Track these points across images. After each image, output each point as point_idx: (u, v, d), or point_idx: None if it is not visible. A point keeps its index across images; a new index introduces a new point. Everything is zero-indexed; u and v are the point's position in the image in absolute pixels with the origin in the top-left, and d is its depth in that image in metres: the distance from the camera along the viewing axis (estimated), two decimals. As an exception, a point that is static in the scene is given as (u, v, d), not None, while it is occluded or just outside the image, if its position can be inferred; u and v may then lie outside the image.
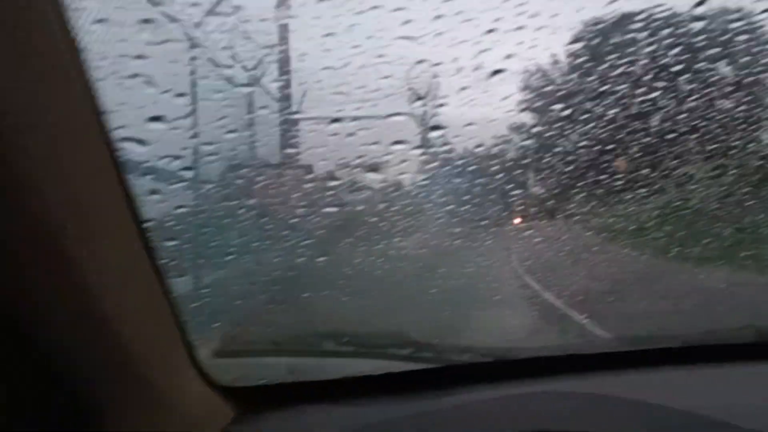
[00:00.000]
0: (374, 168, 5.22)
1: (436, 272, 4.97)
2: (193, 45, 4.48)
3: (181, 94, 3.80)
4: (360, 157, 5.26)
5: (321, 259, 3.95)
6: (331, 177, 5.03)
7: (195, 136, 3.77)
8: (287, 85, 5.97)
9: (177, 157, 3.38)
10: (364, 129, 4.63)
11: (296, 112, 6.14)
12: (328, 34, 5.33)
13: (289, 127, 6.01)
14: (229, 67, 4.87)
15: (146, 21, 2.79)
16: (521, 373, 1.56)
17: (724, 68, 8.17)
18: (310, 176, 5.12)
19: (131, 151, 2.35)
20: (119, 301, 0.94)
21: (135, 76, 2.69)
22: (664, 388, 1.46)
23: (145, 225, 0.99)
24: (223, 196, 4.40)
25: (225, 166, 4.76)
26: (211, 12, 4.39)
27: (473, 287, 5.13)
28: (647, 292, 6.04)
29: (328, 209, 4.53)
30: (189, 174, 3.50)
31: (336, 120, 5.15)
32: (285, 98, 6.16)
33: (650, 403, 1.31)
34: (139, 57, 2.79)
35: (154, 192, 2.66)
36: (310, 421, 1.41)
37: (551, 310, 5.74)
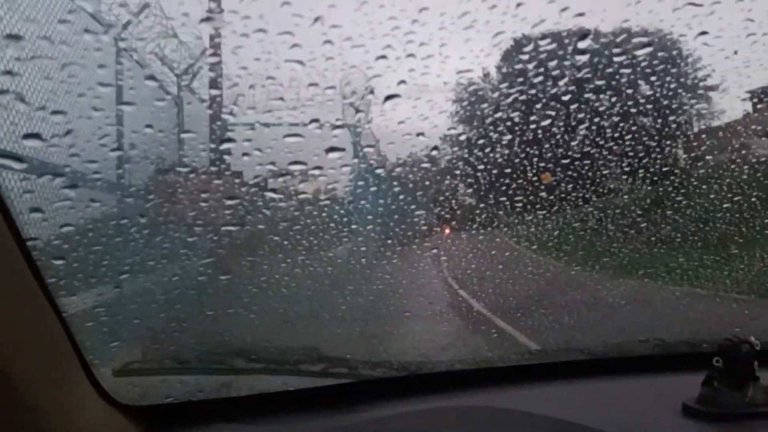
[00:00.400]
0: (272, 188, 5.13)
1: (346, 289, 4.93)
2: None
3: (58, 112, 3.69)
4: (255, 177, 5.16)
5: (224, 277, 3.78)
6: (230, 196, 4.90)
7: (75, 154, 3.58)
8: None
9: (58, 175, 3.20)
10: (258, 150, 4.59)
11: (187, 131, 5.95)
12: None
13: (181, 145, 5.82)
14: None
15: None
16: (434, 388, 1.55)
17: (614, 98, 8.67)
18: (205, 195, 4.95)
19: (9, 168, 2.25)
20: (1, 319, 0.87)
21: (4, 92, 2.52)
22: (570, 401, 1.47)
23: (30, 243, 0.95)
24: (112, 215, 4.22)
25: (110, 185, 4.56)
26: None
27: (386, 302, 5.13)
28: (559, 304, 6.26)
29: (228, 227, 4.37)
30: (72, 193, 3.28)
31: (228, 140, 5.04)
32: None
33: (554, 417, 1.31)
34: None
35: (35, 210, 2.45)
36: None
37: (468, 324, 5.82)
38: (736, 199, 8.74)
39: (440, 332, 5.10)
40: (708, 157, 9.12)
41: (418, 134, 5.09)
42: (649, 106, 9.11)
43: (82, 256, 3.23)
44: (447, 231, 8.63)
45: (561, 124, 8.16)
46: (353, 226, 6.29)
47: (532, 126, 7.99)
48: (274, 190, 5.09)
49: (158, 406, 1.37)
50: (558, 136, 8.16)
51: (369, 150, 6.75)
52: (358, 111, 6.02)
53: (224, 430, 1.37)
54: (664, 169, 8.64)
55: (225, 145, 5.52)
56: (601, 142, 8.26)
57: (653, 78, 8.93)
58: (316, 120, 4.27)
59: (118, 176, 4.96)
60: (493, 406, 1.43)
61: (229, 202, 4.68)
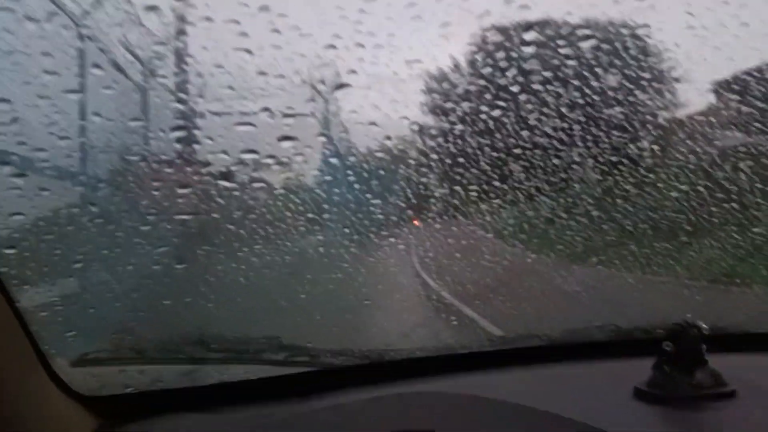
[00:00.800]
0: (225, 177, 5.09)
1: (304, 278, 4.93)
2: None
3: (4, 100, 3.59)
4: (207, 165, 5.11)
5: (179, 266, 3.74)
6: (183, 185, 4.83)
7: (23, 142, 3.49)
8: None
9: (4, 163, 3.12)
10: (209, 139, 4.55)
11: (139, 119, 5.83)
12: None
13: (135, 133, 5.70)
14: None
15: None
16: (396, 375, 1.56)
17: (565, 89, 8.81)
18: (157, 184, 4.88)
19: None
20: None
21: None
22: (528, 386, 1.51)
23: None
24: (63, 204, 4.12)
25: (59, 173, 4.45)
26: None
27: (345, 290, 5.13)
28: (516, 291, 6.36)
29: (181, 216, 4.31)
30: (20, 181, 3.20)
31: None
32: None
33: (512, 402, 1.34)
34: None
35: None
36: (178, 429, 1.34)
37: (428, 312, 5.88)
38: (682, 188, 9.02)
39: (400, 320, 5.15)
40: (655, 147, 9.36)
41: (370, 123, 5.13)
42: (598, 98, 9.29)
43: (33, 245, 3.15)
44: (408, 220, 8.67)
45: (512, 114, 8.25)
46: (309, 215, 6.28)
47: (485, 116, 8.08)
48: (226, 179, 5.05)
49: (118, 396, 1.35)
50: (510, 127, 8.26)
51: (323, 139, 6.76)
52: (313, 100, 6.02)
53: (185, 420, 1.36)
54: (614, 159, 8.84)
55: (176, 134, 5.44)
56: (552, 132, 8.42)
57: (604, 69, 9.12)
58: (267, 109, 4.25)
59: (69, 164, 4.85)
60: (453, 392, 1.45)
61: (181, 191, 4.61)
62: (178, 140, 5.18)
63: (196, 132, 5.31)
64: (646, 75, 11.45)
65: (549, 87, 8.50)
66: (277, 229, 5.50)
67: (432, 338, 4.57)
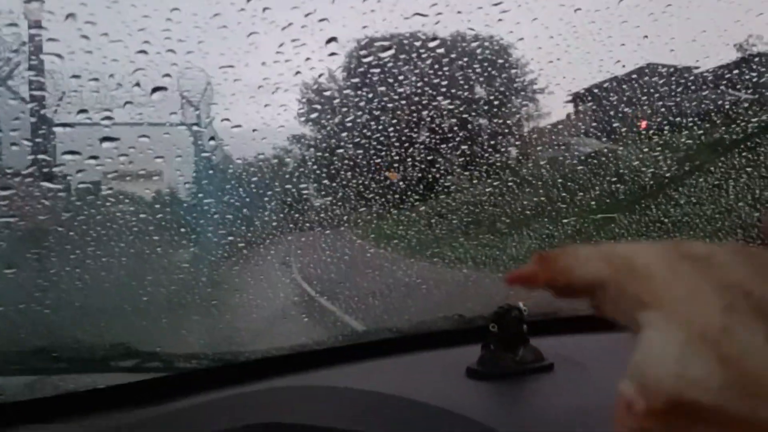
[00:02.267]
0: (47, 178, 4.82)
1: (144, 279, 4.74)
2: None
3: None
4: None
5: (9, 271, 3.46)
6: (2, 186, 4.49)
7: None
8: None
9: None
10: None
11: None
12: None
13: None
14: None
15: None
16: (251, 375, 1.59)
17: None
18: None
19: None
20: None
21: None
22: (378, 375, 1.61)
23: None
24: None
25: None
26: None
27: (190, 291, 5.00)
28: (361, 285, 6.52)
29: (5, 219, 4.00)
30: None
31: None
32: None
33: (367, 390, 1.42)
34: None
35: None
36: None
37: (279, 308, 5.86)
38: (495, 183, 9.77)
39: (250, 320, 5.12)
40: (464, 147, 10.01)
41: (246, 132, 5.09)
42: (464, 108, 9.80)
43: None
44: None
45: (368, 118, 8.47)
46: (141, 216, 6.07)
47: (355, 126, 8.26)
48: (50, 180, 4.77)
49: None
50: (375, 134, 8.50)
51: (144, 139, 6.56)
52: (181, 108, 5.83)
53: None
54: (429, 157, 9.35)
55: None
56: (416, 139, 8.79)
57: (473, 81, 9.64)
58: (84, 111, 4.11)
59: None
60: (302, 385, 1.51)
61: (2, 193, 4.29)
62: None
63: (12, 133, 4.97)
64: (511, 87, 12.30)
65: (418, 98, 8.84)
66: (109, 230, 5.25)
67: (285, 337, 4.61)
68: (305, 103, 13.49)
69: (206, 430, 1.33)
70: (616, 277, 0.43)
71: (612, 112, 10.24)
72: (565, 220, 8.65)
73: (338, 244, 9.41)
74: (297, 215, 9.09)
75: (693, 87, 9.68)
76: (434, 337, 1.86)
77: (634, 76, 9.75)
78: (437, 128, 9.39)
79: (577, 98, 12.64)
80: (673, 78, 9.73)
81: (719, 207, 7.47)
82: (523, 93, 14.10)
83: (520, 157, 11.76)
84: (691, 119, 9.10)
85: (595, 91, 10.85)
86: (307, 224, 9.33)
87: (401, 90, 8.51)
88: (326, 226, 9.38)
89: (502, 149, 11.35)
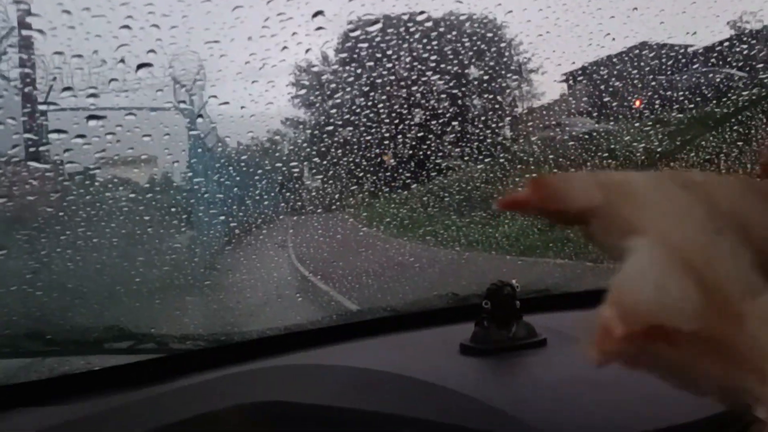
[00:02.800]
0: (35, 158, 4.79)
1: (136, 260, 4.73)
2: None
3: None
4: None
5: (-2, 252, 3.44)
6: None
7: None
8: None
9: None
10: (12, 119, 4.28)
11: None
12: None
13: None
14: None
15: None
16: (247, 355, 1.59)
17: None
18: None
19: None
20: None
21: None
22: (372, 353, 1.63)
23: None
24: None
25: None
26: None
27: (182, 272, 5.00)
28: (354, 265, 6.53)
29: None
30: None
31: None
32: None
33: (363, 368, 1.43)
34: None
35: None
36: (19, 426, 1.28)
37: (273, 289, 5.87)
38: (488, 161, 9.79)
39: (244, 300, 5.12)
40: (455, 125, 10.02)
41: (239, 116, 5.06)
42: (458, 89, 9.80)
43: None
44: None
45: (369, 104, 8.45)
46: (132, 196, 6.05)
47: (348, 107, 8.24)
48: (36, 159, 4.75)
49: None
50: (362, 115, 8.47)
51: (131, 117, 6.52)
52: (175, 92, 5.78)
53: (25, 415, 1.30)
54: (420, 135, 9.36)
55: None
56: (409, 119, 8.79)
57: (467, 62, 9.61)
58: (69, 88, 4.07)
59: None
60: (298, 364, 1.52)
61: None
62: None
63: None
64: (502, 63, 12.28)
65: (413, 80, 8.81)
66: (99, 211, 5.23)
67: (280, 316, 4.62)
68: (294, 81, 13.40)
69: (203, 409, 1.33)
70: (609, 201, 0.43)
71: (605, 91, 10.24)
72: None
73: (330, 224, 9.43)
74: (289, 195, 9.11)
75: (685, 63, 9.69)
76: (428, 315, 1.87)
77: (627, 54, 9.74)
78: (428, 106, 9.38)
79: (569, 77, 12.63)
80: (664, 54, 9.73)
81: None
82: (515, 70, 14.07)
83: (513, 135, 11.78)
84: (682, 94, 9.11)
85: (588, 69, 10.85)
86: (300, 204, 9.35)
87: (390, 66, 8.46)
88: (319, 206, 9.40)
89: (495, 127, 11.33)
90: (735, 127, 7.72)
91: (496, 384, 1.34)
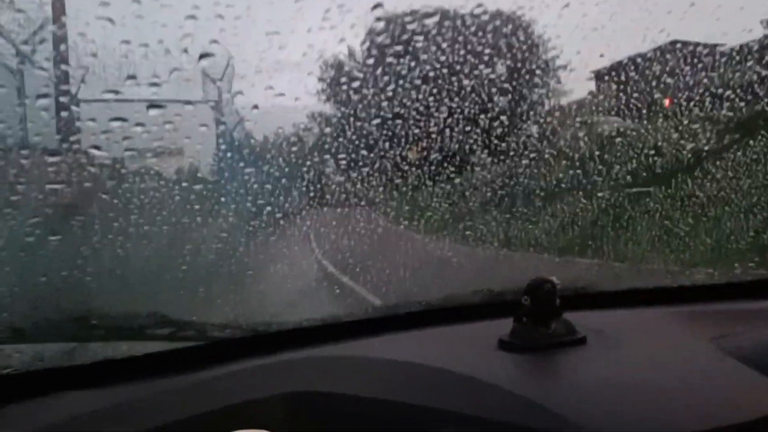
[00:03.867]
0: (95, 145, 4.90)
1: (183, 249, 4.82)
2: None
3: None
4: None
5: (53, 238, 3.54)
6: (51, 152, 4.62)
7: None
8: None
9: None
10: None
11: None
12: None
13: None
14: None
15: None
16: (285, 345, 1.59)
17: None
18: (26, 152, 4.61)
19: None
20: None
21: None
22: (409, 347, 1.62)
23: None
24: None
25: None
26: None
27: (227, 261, 5.07)
28: (393, 259, 6.55)
29: (52, 185, 4.10)
30: None
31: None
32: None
33: (401, 361, 1.43)
34: None
35: None
36: (62, 408, 1.30)
37: (312, 282, 5.93)
38: (532, 156, 9.67)
39: (285, 290, 5.18)
40: (499, 120, 9.95)
41: (266, 111, 5.11)
42: (487, 86, 9.73)
43: None
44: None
45: (405, 102, 8.46)
46: (183, 184, 6.16)
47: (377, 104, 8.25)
48: (97, 147, 4.87)
49: None
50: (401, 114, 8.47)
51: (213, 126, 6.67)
52: (204, 86, 5.87)
53: (68, 398, 1.33)
54: (460, 130, 9.30)
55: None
56: (439, 116, 8.77)
57: (494, 58, 9.54)
58: (133, 77, 4.13)
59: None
60: (335, 356, 1.53)
61: (51, 159, 4.38)
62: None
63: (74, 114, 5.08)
64: (533, 65, 12.17)
65: (441, 76, 8.78)
66: (152, 199, 5.36)
67: (317, 308, 4.66)
68: (326, 81, 13.42)
69: (243, 397, 1.35)
70: None
71: (640, 89, 10.03)
72: (599, 194, 8.56)
73: (369, 218, 9.47)
74: (332, 188, 9.17)
75: (722, 63, 9.44)
76: (465, 310, 1.86)
77: (659, 53, 9.53)
78: (470, 100, 9.33)
79: (608, 72, 12.42)
80: (698, 54, 9.50)
81: (756, 182, 7.31)
82: (549, 68, 13.90)
83: (557, 130, 11.62)
84: (731, 93, 8.87)
85: (626, 67, 10.65)
86: (341, 198, 9.38)
87: (444, 59, 8.43)
88: (357, 201, 9.44)
89: (539, 122, 11.21)
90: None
91: (534, 381, 1.34)
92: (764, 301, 1.87)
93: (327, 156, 9.41)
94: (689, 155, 8.64)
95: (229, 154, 7.36)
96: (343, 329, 1.73)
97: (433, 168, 9.45)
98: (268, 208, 6.99)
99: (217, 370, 1.46)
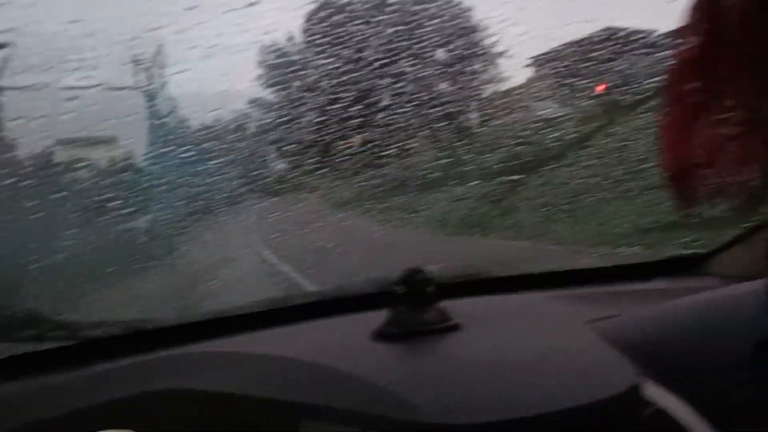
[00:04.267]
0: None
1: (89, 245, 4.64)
2: None
3: None
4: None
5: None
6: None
7: None
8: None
9: None
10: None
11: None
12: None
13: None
14: None
15: None
16: (161, 343, 1.56)
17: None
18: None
19: None
20: None
21: None
22: (293, 341, 1.58)
23: None
24: None
25: None
26: None
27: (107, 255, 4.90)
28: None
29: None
30: None
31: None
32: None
33: (275, 356, 1.40)
34: None
35: None
36: None
37: (239, 272, 5.82)
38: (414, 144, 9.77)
39: (159, 284, 5.04)
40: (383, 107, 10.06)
41: (204, 97, 4.97)
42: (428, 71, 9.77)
43: None
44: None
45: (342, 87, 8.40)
46: (95, 181, 5.96)
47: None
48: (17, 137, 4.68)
49: None
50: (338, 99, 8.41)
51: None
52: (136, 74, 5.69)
53: None
54: (381, 116, 9.39)
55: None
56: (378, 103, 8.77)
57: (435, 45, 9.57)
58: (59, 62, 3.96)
59: None
60: (204, 352, 1.51)
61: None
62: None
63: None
64: (472, 50, 12.30)
65: (380, 62, 8.77)
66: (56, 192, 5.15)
67: (241, 297, 4.57)
68: (261, 60, 13.23)
69: (109, 397, 1.31)
70: None
71: (567, 76, 10.31)
72: (472, 183, 8.80)
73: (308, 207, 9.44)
74: (250, 176, 9.05)
75: (648, 50, 9.79)
76: (351, 301, 1.86)
77: (590, 39, 9.81)
78: (408, 85, 9.39)
79: (534, 62, 12.69)
80: (629, 39, 9.81)
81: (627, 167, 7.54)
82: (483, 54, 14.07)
83: (479, 119, 11.83)
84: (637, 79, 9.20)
85: (549, 54, 10.91)
86: (272, 187, 9.31)
87: (358, 48, 8.42)
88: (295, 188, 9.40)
89: (459, 111, 11.36)
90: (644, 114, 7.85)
91: (406, 368, 1.35)
92: (644, 283, 1.94)
93: (264, 142, 9.31)
94: (556, 144, 8.94)
95: (161, 142, 7.16)
96: (224, 324, 1.70)
97: (369, 153, 9.48)
98: (197, 198, 6.86)
99: (86, 370, 1.42)
